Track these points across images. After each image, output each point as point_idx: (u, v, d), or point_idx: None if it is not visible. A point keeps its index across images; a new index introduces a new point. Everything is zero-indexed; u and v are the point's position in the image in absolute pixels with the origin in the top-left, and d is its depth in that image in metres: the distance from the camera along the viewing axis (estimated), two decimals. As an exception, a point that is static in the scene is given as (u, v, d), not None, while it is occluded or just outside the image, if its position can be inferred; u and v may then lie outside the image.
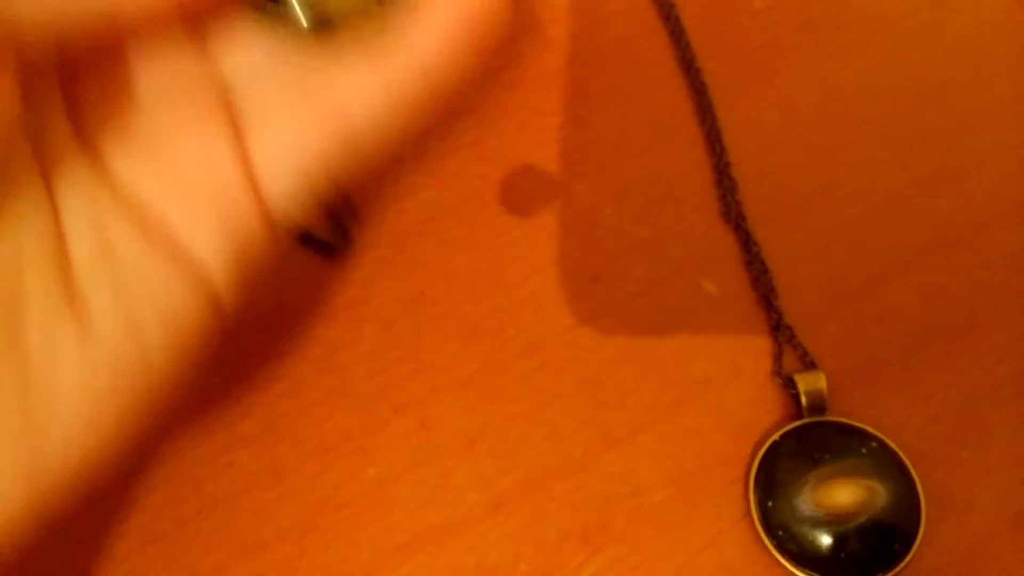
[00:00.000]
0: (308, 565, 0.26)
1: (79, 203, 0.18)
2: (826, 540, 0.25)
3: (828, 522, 0.25)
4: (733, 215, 0.31)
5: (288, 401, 0.28)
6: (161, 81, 0.20)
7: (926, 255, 0.30)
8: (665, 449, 0.27)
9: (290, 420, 0.28)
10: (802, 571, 0.24)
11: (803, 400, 0.27)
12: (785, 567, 0.25)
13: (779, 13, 0.36)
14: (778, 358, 0.28)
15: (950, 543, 0.25)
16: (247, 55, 0.20)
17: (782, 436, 0.26)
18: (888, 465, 0.25)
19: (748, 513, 0.26)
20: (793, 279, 0.30)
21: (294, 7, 0.19)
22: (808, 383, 0.27)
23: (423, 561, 0.26)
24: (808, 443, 0.26)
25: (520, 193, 0.32)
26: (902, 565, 0.24)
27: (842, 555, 0.24)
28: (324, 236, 0.28)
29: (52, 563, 0.26)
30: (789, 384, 0.27)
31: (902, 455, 0.25)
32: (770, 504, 0.25)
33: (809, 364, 0.28)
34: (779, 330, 0.28)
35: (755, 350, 0.29)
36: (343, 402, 0.28)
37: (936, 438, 0.27)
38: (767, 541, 0.25)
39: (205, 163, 0.19)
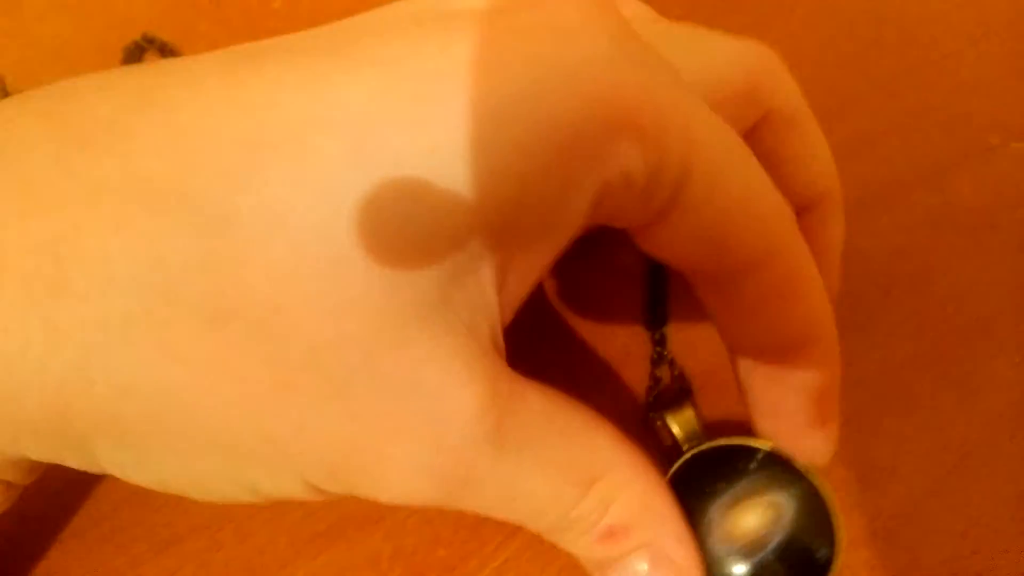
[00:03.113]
0: (224, 557, 0.25)
1: None
2: (746, 570, 0.23)
3: (746, 555, 0.23)
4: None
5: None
6: None
7: (848, 221, 0.30)
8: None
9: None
10: None
11: (678, 436, 0.25)
12: None
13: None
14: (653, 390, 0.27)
15: (874, 512, 0.26)
16: None
17: (671, 478, 0.24)
18: (780, 471, 0.23)
19: None
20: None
21: None
22: (679, 418, 0.26)
23: (341, 549, 0.25)
24: (697, 477, 0.24)
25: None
26: (832, 571, 0.23)
27: None
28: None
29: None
30: (656, 418, 0.26)
31: (789, 457, 0.23)
32: None
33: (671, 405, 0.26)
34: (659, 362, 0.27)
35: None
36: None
37: (858, 405, 0.27)
38: None
39: None
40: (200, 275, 0.15)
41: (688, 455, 0.24)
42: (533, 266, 0.18)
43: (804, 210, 0.23)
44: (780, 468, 0.23)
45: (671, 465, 0.24)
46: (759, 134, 0.22)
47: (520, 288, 0.18)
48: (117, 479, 0.26)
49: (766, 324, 0.20)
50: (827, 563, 0.22)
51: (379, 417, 0.16)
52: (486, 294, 0.17)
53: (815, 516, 0.23)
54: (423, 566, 0.25)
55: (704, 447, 0.24)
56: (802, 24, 0.34)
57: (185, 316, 0.15)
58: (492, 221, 0.16)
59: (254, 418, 0.16)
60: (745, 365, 0.22)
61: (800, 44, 0.34)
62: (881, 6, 0.35)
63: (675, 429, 0.25)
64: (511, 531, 0.25)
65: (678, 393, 0.26)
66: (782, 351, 0.21)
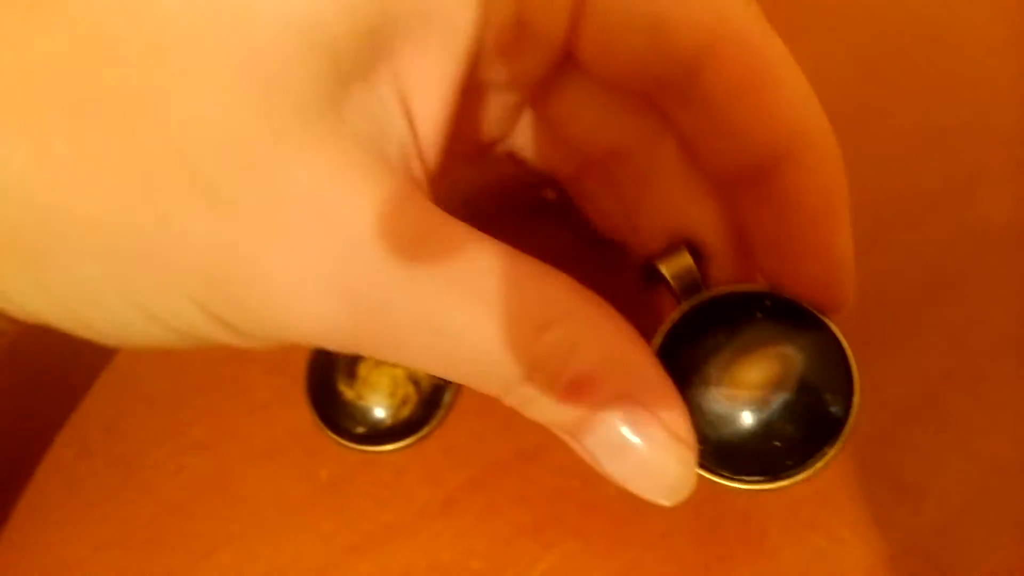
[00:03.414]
0: (260, 568, 0.26)
1: None
2: (754, 436, 0.20)
3: (750, 411, 0.20)
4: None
5: (236, 404, 0.28)
6: None
7: (877, 236, 0.30)
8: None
9: (239, 423, 0.27)
10: (743, 482, 0.20)
11: (673, 286, 0.22)
12: (729, 487, 0.20)
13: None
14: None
15: (907, 529, 0.26)
16: None
17: (663, 341, 0.21)
18: (790, 320, 0.21)
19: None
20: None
21: None
22: (672, 266, 0.22)
23: (377, 561, 0.26)
24: (694, 334, 0.21)
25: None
26: (847, 429, 0.20)
27: (776, 444, 0.20)
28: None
29: (4, 569, 0.26)
30: (653, 276, 0.23)
31: (802, 303, 0.20)
32: None
33: (670, 247, 0.23)
34: None
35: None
36: (292, 401, 0.28)
37: (892, 422, 0.27)
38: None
39: None
40: (65, 60, 0.15)
41: (685, 307, 0.21)
42: (439, 80, 0.17)
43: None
44: (791, 316, 0.21)
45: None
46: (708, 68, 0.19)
47: (431, 109, 0.17)
48: (155, 489, 0.27)
49: (738, 128, 0.18)
50: (841, 419, 0.20)
51: (256, 221, 0.15)
52: (386, 106, 0.17)
53: (829, 368, 0.20)
54: (458, 578, 0.25)
55: (704, 297, 0.21)
56: (831, 36, 0.34)
57: (49, 102, 0.15)
58: (370, 18, 0.16)
59: (124, 215, 0.15)
60: (738, 195, 0.20)
61: (830, 57, 0.34)
62: (912, 20, 0.35)
63: (669, 277, 0.22)
64: (547, 543, 0.25)
65: (674, 243, 0.23)
66: (766, 161, 0.19)
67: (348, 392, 0.27)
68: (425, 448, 0.27)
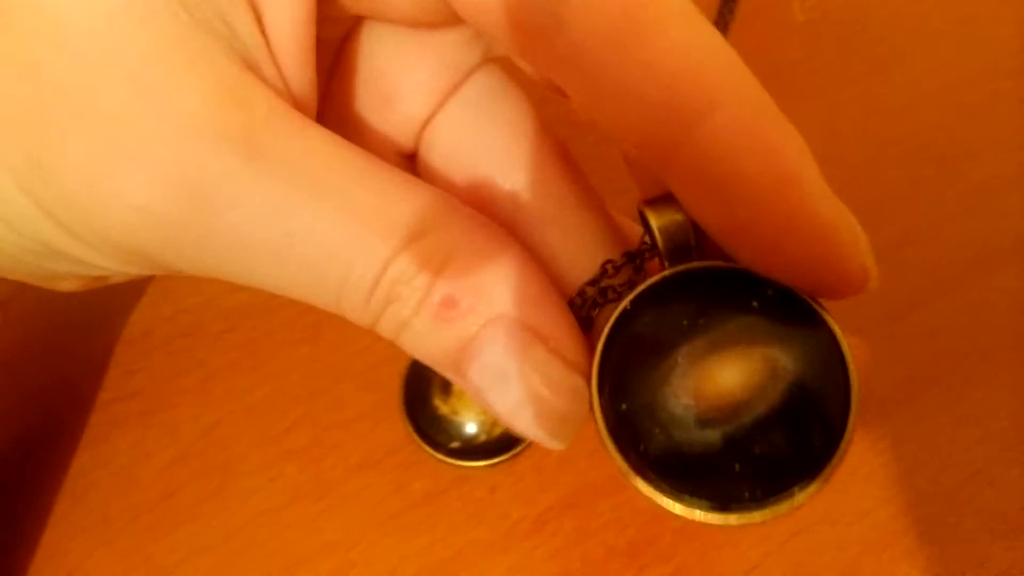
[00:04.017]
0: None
1: None
2: (711, 451, 0.16)
3: (711, 421, 0.16)
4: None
5: (333, 415, 0.28)
6: None
7: (969, 274, 0.30)
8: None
9: (335, 434, 0.28)
10: (682, 503, 0.16)
11: (659, 242, 0.17)
12: (660, 506, 0.16)
13: (819, 26, 0.36)
14: None
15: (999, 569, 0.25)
16: None
17: (634, 301, 0.16)
18: (793, 320, 0.16)
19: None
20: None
21: None
22: (663, 217, 0.17)
23: (468, 576, 0.26)
24: (672, 305, 0.17)
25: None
26: (827, 470, 0.16)
27: (736, 467, 0.16)
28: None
29: (100, 572, 0.26)
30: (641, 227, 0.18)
31: (814, 304, 0.16)
32: (624, 408, 0.16)
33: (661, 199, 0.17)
34: None
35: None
36: (387, 415, 0.28)
37: (985, 458, 0.27)
38: (619, 461, 0.16)
39: None
40: None
41: (668, 272, 0.17)
42: None
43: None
44: (795, 314, 0.16)
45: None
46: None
47: (281, 15, 0.16)
48: (251, 496, 0.27)
49: (617, 86, 0.15)
50: (823, 456, 0.16)
51: (70, 95, 0.15)
52: (233, 2, 0.16)
53: (824, 390, 0.16)
54: (550, 597, 0.25)
55: (693, 265, 0.17)
56: (924, 72, 0.35)
57: None
58: None
59: None
60: (665, 174, 0.16)
61: (921, 93, 0.34)
62: (1006, 57, 0.35)
63: (656, 229, 0.17)
64: (641, 567, 0.26)
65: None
66: (666, 126, 0.15)
67: (443, 407, 0.28)
68: (517, 466, 0.27)
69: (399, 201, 0.16)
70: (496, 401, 0.16)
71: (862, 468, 0.27)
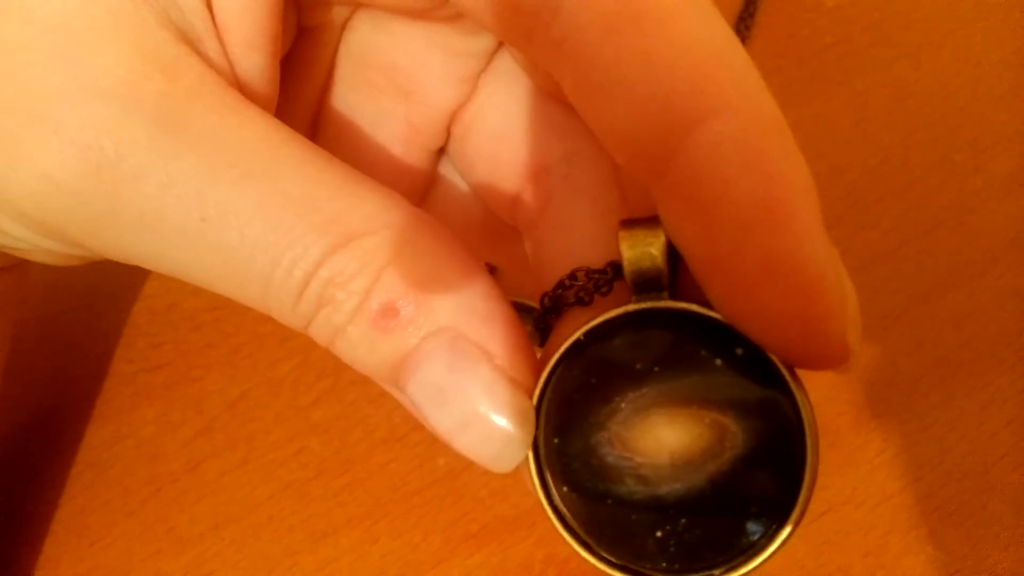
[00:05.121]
0: (379, 551, 0.26)
1: None
2: (638, 512, 0.15)
3: (642, 479, 0.15)
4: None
5: (358, 389, 0.28)
6: None
7: (999, 259, 0.30)
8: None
9: (360, 408, 0.28)
10: (599, 560, 0.15)
11: (627, 273, 0.15)
12: (579, 555, 0.15)
13: (850, 11, 0.36)
14: None
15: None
16: None
17: (588, 333, 0.15)
18: (759, 389, 0.15)
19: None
20: (864, 280, 0.30)
21: None
22: (636, 248, 0.15)
23: (494, 551, 0.26)
24: (629, 344, 0.15)
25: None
26: (755, 562, 0.14)
27: (658, 535, 0.15)
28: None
29: (122, 543, 0.26)
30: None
31: (786, 373, 0.14)
32: (556, 442, 0.15)
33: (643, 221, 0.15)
34: None
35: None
36: (412, 391, 0.28)
37: (1012, 442, 0.27)
38: (541, 496, 0.15)
39: None
40: None
41: (632, 307, 0.15)
42: None
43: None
44: (763, 379, 0.15)
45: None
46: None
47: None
48: (275, 469, 0.27)
49: (609, 78, 0.13)
50: (755, 547, 0.14)
51: None
52: None
53: (774, 475, 0.15)
54: (576, 573, 0.25)
55: (660, 305, 0.15)
56: (954, 57, 0.34)
57: None
58: None
59: None
60: (654, 191, 0.14)
61: (952, 78, 0.34)
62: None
63: (625, 259, 0.15)
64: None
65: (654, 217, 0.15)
66: (663, 130, 0.13)
67: (468, 384, 0.28)
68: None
69: (345, 196, 0.14)
70: (436, 420, 0.15)
71: (888, 450, 0.27)
